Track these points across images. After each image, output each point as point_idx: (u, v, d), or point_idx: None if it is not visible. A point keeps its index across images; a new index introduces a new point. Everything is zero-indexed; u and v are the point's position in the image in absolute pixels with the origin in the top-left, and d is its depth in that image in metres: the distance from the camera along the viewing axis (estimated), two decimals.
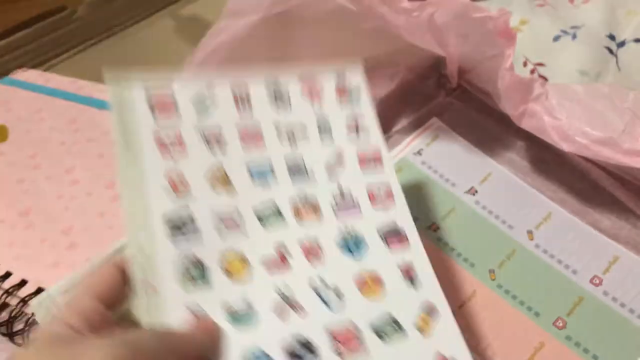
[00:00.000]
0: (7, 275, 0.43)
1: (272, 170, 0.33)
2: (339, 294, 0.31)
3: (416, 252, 0.33)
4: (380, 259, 0.33)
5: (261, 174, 0.32)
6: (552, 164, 0.48)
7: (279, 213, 0.32)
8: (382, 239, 0.33)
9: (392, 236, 0.34)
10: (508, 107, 0.43)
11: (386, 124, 0.53)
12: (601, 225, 0.45)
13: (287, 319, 0.29)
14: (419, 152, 0.51)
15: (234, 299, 0.28)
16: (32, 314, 0.41)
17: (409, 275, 0.32)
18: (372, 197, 0.34)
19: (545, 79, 0.57)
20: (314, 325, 0.29)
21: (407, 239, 0.34)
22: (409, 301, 0.32)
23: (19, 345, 0.40)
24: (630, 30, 0.59)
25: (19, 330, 0.40)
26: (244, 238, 0.30)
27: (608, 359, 0.38)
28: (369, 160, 0.36)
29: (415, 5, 0.39)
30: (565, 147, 0.42)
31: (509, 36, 0.40)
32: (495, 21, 0.38)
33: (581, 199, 0.47)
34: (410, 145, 0.52)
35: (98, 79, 0.56)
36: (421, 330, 0.31)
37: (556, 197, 0.47)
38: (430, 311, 0.32)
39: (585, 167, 0.46)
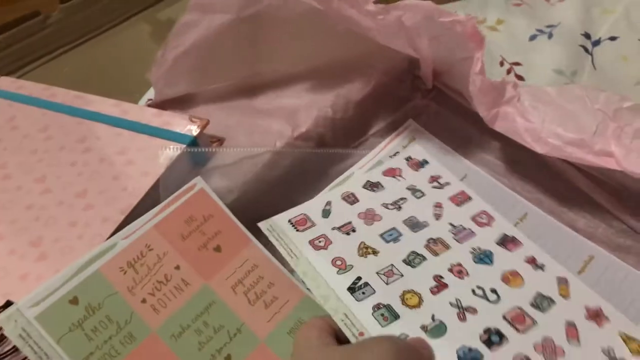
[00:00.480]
0: None
1: (398, 231, 0.44)
2: (494, 292, 0.40)
3: (529, 247, 0.44)
4: (508, 259, 0.43)
5: (391, 236, 0.44)
6: (527, 164, 0.48)
7: (419, 255, 0.42)
8: (501, 246, 0.43)
9: (507, 242, 0.44)
10: (480, 110, 0.43)
11: (362, 127, 0.53)
12: (577, 224, 0.45)
13: (469, 319, 0.39)
14: (395, 155, 0.51)
15: (424, 320, 0.38)
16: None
17: (535, 263, 0.42)
18: (476, 222, 0.45)
19: (521, 78, 0.57)
20: (492, 316, 0.39)
21: (519, 241, 0.44)
22: (545, 279, 0.41)
23: None
24: (605, 29, 0.59)
25: (7, 352, 0.39)
26: (404, 280, 0.40)
27: None
28: (459, 199, 0.47)
29: (381, 8, 0.39)
30: (538, 148, 0.42)
31: (478, 40, 0.39)
32: (464, 25, 0.38)
33: (557, 199, 0.47)
34: (387, 147, 0.52)
35: (72, 85, 0.56)
36: (564, 296, 0.40)
37: (532, 198, 0.47)
38: (562, 281, 0.41)
39: (560, 168, 0.46)
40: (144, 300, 0.36)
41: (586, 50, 0.58)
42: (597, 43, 0.58)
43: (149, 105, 0.53)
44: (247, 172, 0.46)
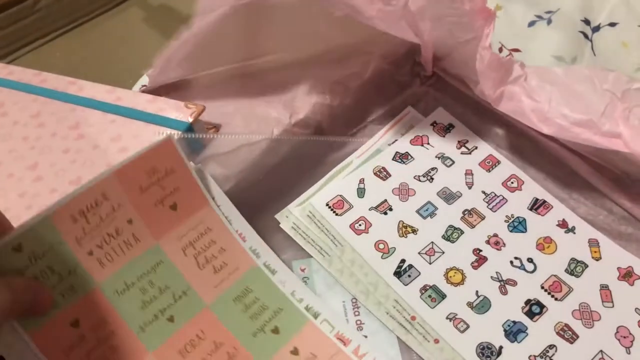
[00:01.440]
0: None
1: (433, 205, 0.46)
2: (530, 261, 0.42)
3: (559, 209, 0.45)
4: (541, 225, 0.44)
5: (427, 212, 0.45)
6: (528, 151, 0.48)
7: (456, 229, 0.44)
8: (533, 211, 0.45)
9: (538, 206, 0.45)
10: (486, 88, 0.42)
11: (360, 114, 0.52)
12: (578, 211, 0.45)
13: (510, 292, 0.41)
14: (393, 143, 0.50)
15: (469, 296, 0.40)
16: None
17: (566, 226, 0.44)
18: (507, 187, 0.46)
19: None
20: (531, 286, 0.41)
21: (549, 204, 0.45)
22: (577, 243, 0.43)
23: None
24: (604, 15, 0.59)
25: None
26: (446, 257, 0.42)
27: None
28: (489, 164, 0.48)
29: None
30: (544, 129, 0.41)
31: (487, 15, 0.39)
32: (473, 1, 0.37)
33: (558, 186, 0.46)
34: (385, 135, 0.51)
35: (63, 70, 0.54)
36: (596, 259, 0.42)
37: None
38: (594, 243, 0.43)
39: (561, 155, 0.46)
40: (90, 253, 0.34)
41: (586, 36, 0.57)
42: (596, 29, 0.58)
43: (143, 92, 0.52)
44: (244, 160, 0.45)
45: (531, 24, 0.59)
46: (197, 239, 0.38)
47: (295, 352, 0.38)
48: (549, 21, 0.59)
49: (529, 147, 0.48)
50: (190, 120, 0.46)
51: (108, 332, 0.33)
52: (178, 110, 0.47)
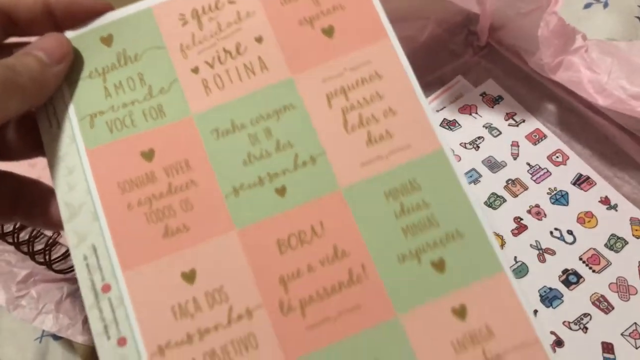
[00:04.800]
0: None
1: (478, 172, 0.45)
2: (570, 233, 0.42)
3: (603, 186, 0.44)
4: (583, 199, 0.44)
5: (471, 178, 0.45)
6: (577, 127, 0.48)
7: (499, 197, 0.44)
8: (576, 186, 0.45)
9: (582, 182, 0.45)
10: (545, 55, 0.42)
11: None
12: (622, 190, 0.45)
13: (548, 260, 0.41)
14: (442, 109, 0.51)
15: (507, 261, 0.28)
16: (52, 235, 0.41)
17: (608, 203, 0.43)
18: (552, 161, 0.46)
19: None
20: (569, 257, 0.41)
21: (593, 181, 0.45)
22: (618, 220, 0.43)
23: (40, 263, 0.40)
24: None
25: (40, 250, 0.40)
26: (489, 222, 0.30)
27: None
28: (535, 137, 0.47)
29: None
30: (600, 100, 0.41)
31: None
32: None
33: (604, 164, 0.46)
34: (434, 102, 0.51)
35: None
36: (637, 237, 0.42)
37: None
38: (635, 222, 0.42)
39: (610, 132, 0.46)
40: (195, 70, 0.26)
41: None
42: None
43: None
44: None
45: (587, 5, 0.59)
46: (354, 85, 0.26)
47: (460, 312, 0.23)
48: (606, 4, 0.58)
49: (577, 123, 0.48)
50: None
51: (187, 181, 0.25)
52: None
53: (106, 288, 0.23)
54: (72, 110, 0.25)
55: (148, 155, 0.25)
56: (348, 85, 0.26)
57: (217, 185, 0.24)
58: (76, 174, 0.24)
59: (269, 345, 0.22)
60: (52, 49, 0.24)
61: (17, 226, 0.40)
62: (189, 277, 0.23)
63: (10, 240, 0.40)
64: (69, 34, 0.26)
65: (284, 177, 0.25)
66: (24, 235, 0.41)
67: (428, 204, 0.24)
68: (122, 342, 0.22)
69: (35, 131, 0.25)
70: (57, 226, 0.25)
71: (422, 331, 0.23)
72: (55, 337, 0.43)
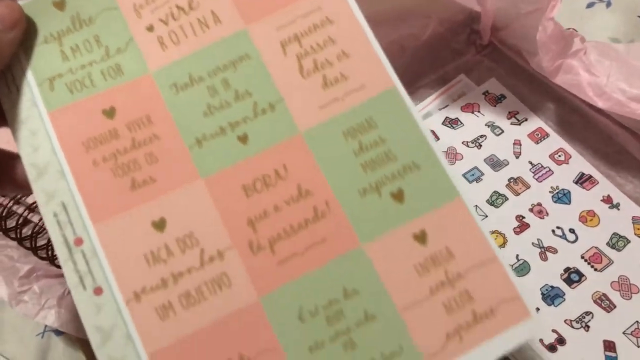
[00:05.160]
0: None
1: (480, 171, 0.46)
2: (572, 232, 0.42)
3: (605, 186, 0.44)
4: (585, 198, 0.44)
5: (473, 176, 0.46)
6: (579, 127, 0.48)
7: (501, 195, 0.44)
8: (579, 185, 0.45)
9: (584, 181, 0.45)
10: (544, 60, 0.42)
11: (413, 77, 0.52)
12: (624, 189, 0.45)
13: (549, 259, 0.41)
14: (444, 108, 0.51)
15: (509, 259, 0.39)
16: None
17: (610, 202, 0.44)
18: (554, 160, 0.46)
19: None
20: (571, 256, 0.41)
21: (595, 179, 0.45)
22: (620, 219, 0.43)
23: (42, 259, 0.40)
24: None
25: (42, 245, 0.40)
26: (489, 220, 0.42)
27: None
28: (537, 136, 0.47)
29: None
30: (599, 103, 0.41)
31: None
32: None
33: (606, 163, 0.46)
34: (436, 100, 0.51)
35: None
36: (639, 235, 0.42)
37: None
38: (638, 221, 0.42)
39: (612, 131, 0.46)
40: (150, 28, 0.26)
41: None
42: None
43: None
44: None
45: (590, 5, 0.59)
46: (307, 32, 0.26)
47: (421, 238, 0.24)
48: (608, 4, 0.58)
49: (580, 122, 0.48)
50: None
51: (150, 135, 0.25)
52: None
53: (78, 241, 0.24)
54: (30, 75, 0.26)
55: (109, 113, 0.25)
56: (301, 32, 0.26)
57: (180, 138, 0.25)
58: (40, 136, 0.25)
59: (242, 282, 0.23)
60: (3, 16, 0.24)
61: (20, 222, 0.41)
62: (159, 225, 0.24)
63: (13, 236, 0.41)
64: (21, 1, 0.26)
65: (244, 125, 0.25)
66: (26, 231, 0.41)
67: (385, 140, 0.25)
68: (98, 291, 0.23)
69: None
70: (25, 187, 0.25)
71: (386, 258, 0.24)
72: (57, 333, 0.43)
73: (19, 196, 0.43)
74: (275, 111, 0.26)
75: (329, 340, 0.23)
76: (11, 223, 0.41)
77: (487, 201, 0.45)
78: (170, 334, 0.23)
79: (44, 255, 0.40)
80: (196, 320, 0.23)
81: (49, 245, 0.40)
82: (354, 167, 0.25)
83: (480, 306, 0.23)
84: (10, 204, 0.43)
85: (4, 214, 0.41)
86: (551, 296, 0.40)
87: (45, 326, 0.44)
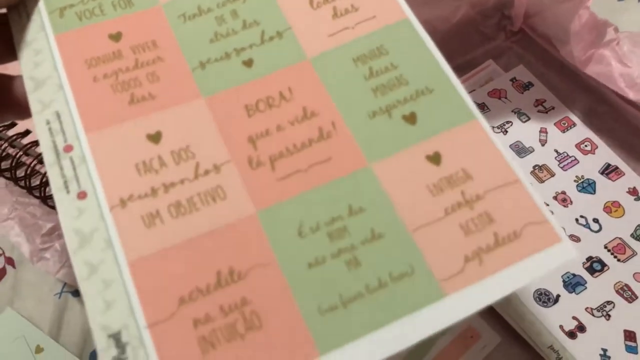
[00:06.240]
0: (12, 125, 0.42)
1: None
2: (596, 221, 0.42)
3: (631, 178, 0.44)
4: (610, 189, 0.44)
5: None
6: (606, 118, 0.47)
7: None
8: (604, 175, 0.45)
9: (610, 172, 0.45)
10: (576, 49, 0.42)
11: None
12: None
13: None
14: (471, 92, 0.50)
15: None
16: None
17: (636, 194, 0.43)
18: (580, 149, 0.46)
19: None
20: (594, 245, 0.41)
21: (622, 171, 0.45)
22: None
23: (52, 207, 0.39)
24: None
25: (36, 186, 0.40)
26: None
27: None
28: (564, 125, 0.47)
29: None
30: (631, 95, 0.41)
31: None
32: None
33: (632, 155, 0.46)
34: (463, 84, 0.51)
35: None
36: None
37: None
38: None
39: None
40: None
41: None
42: None
43: None
44: None
45: None
46: None
47: (434, 159, 0.23)
48: None
49: (609, 113, 0.47)
50: None
51: (153, 57, 0.25)
52: None
53: (68, 148, 0.23)
54: (42, 5, 0.26)
55: (116, 37, 0.25)
56: None
57: (184, 60, 0.25)
58: (43, 54, 0.25)
59: (238, 196, 0.22)
60: None
61: (43, 180, 0.40)
62: (154, 137, 0.23)
63: (37, 194, 0.40)
64: None
65: (250, 51, 0.25)
66: (50, 190, 0.40)
67: (396, 66, 0.24)
68: (82, 195, 0.22)
69: (9, 35, 0.26)
70: (23, 106, 0.25)
71: (396, 177, 0.22)
72: (75, 294, 0.44)
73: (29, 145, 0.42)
74: (282, 38, 0.25)
75: (331, 257, 0.21)
76: (35, 181, 0.41)
77: None
78: (154, 242, 0.21)
79: (38, 195, 0.39)
80: (184, 230, 0.21)
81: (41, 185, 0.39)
82: (364, 90, 0.24)
83: (503, 229, 0.21)
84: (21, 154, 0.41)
85: (14, 165, 0.41)
86: (572, 284, 0.40)
87: (63, 286, 0.44)
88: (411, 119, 0.23)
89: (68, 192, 0.22)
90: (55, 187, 0.22)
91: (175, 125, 0.23)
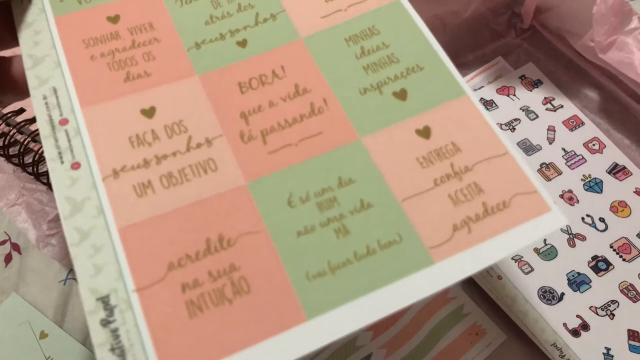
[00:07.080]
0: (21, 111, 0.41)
1: None
2: (602, 221, 0.42)
3: (638, 177, 0.44)
4: (617, 189, 0.44)
5: None
6: (616, 116, 0.47)
7: None
8: (612, 175, 0.44)
9: (618, 171, 0.45)
10: (598, 33, 0.41)
11: (450, 56, 0.51)
12: None
13: (578, 245, 0.41)
14: (480, 89, 0.50)
15: (536, 243, 0.38)
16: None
17: None
18: (588, 148, 0.46)
19: None
20: (600, 244, 0.41)
21: (629, 171, 0.45)
22: None
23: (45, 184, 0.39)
24: None
25: (44, 172, 0.40)
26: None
27: None
28: (572, 123, 0.47)
29: None
30: None
31: None
32: None
33: None
34: (472, 81, 0.51)
35: None
36: None
37: None
38: None
39: None
40: None
41: None
42: None
43: None
44: None
45: None
46: None
47: (424, 132, 0.23)
48: None
49: (618, 112, 0.47)
50: None
51: (150, 38, 0.26)
52: None
53: (63, 122, 0.24)
54: None
55: (114, 19, 0.26)
56: None
57: (180, 41, 0.26)
58: (43, 34, 0.26)
59: (229, 168, 0.23)
60: None
61: (36, 158, 0.40)
62: (148, 112, 0.24)
63: (45, 181, 0.41)
64: None
65: (244, 32, 0.26)
66: (28, 159, 0.40)
67: (387, 45, 0.25)
68: (75, 165, 0.23)
69: (11, 21, 0.26)
70: (21, 86, 0.25)
71: (385, 150, 0.23)
72: None
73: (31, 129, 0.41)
74: (276, 20, 0.26)
75: (320, 226, 0.22)
76: (43, 168, 0.41)
77: None
78: (145, 210, 0.22)
79: (45, 181, 0.39)
80: (175, 199, 0.22)
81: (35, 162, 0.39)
82: (355, 68, 0.25)
83: (491, 199, 0.22)
84: (28, 140, 0.41)
85: (22, 151, 0.41)
86: (577, 282, 0.40)
87: (68, 273, 0.44)
88: (402, 95, 0.24)
89: (62, 162, 0.23)
90: (50, 158, 0.23)
91: (169, 101, 0.24)
